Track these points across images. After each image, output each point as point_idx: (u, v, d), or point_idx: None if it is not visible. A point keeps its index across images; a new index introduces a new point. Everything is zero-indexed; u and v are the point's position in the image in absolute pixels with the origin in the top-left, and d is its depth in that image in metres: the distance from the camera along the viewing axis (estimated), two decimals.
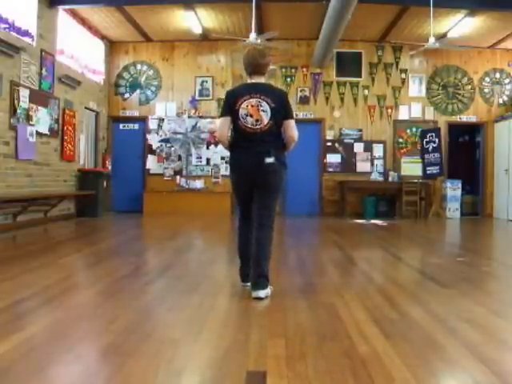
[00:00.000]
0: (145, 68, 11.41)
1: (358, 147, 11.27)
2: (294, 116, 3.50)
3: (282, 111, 3.36)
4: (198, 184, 11.13)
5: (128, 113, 11.39)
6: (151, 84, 11.39)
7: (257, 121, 3.31)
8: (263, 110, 3.31)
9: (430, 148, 10.97)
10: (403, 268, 4.97)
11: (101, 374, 2.06)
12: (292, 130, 3.39)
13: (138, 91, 11.38)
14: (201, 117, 11.24)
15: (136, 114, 11.37)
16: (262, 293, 3.20)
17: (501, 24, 9.57)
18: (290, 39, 10.84)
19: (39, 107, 8.14)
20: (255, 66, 3.43)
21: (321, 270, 4.64)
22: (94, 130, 10.78)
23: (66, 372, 2.07)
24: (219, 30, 10.33)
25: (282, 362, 2.14)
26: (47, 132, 8.46)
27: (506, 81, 11.41)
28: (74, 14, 9.43)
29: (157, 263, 5.06)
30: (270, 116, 3.32)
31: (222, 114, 3.43)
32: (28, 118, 7.77)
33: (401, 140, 11.34)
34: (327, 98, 11.29)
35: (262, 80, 3.48)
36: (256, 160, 3.32)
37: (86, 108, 10.19)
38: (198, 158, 11.28)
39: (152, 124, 11.32)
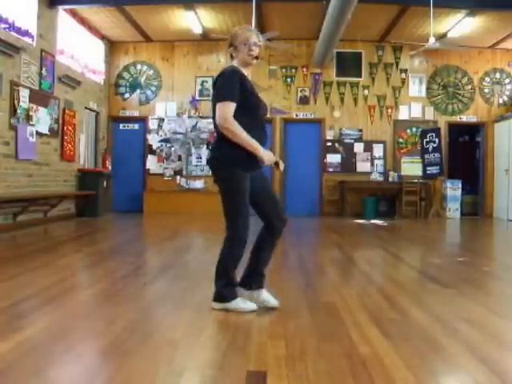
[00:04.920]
0: (145, 68, 11.41)
1: (358, 147, 11.27)
2: (229, 96, 2.82)
3: (215, 95, 2.93)
4: (198, 184, 11.13)
5: (128, 113, 11.39)
6: (151, 84, 11.39)
7: None
8: None
9: (430, 148, 10.97)
10: (403, 268, 4.97)
11: (101, 374, 2.06)
12: (218, 112, 2.84)
13: (138, 91, 11.38)
14: (201, 117, 11.24)
15: (136, 114, 11.37)
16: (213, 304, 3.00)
17: (501, 24, 9.57)
18: (290, 39, 10.83)
19: (39, 107, 8.14)
20: None
21: (321, 270, 4.64)
22: (94, 130, 10.78)
23: (66, 372, 2.07)
24: (219, 29, 10.33)
25: (282, 362, 2.15)
26: (47, 132, 8.46)
27: (506, 81, 11.41)
28: (74, 14, 9.43)
29: (157, 263, 5.06)
30: (212, 105, 2.99)
31: None
32: (28, 117, 7.77)
33: (401, 140, 11.34)
34: (327, 98, 11.29)
35: (230, 64, 3.09)
36: None
37: (86, 108, 10.19)
38: (198, 158, 11.28)
39: (152, 124, 11.32)
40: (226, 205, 2.94)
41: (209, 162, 3.02)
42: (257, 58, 3.02)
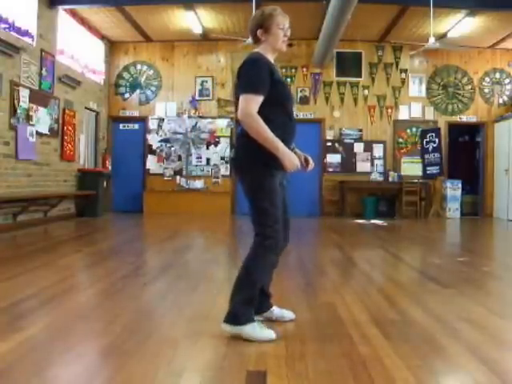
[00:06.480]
0: (145, 68, 11.41)
1: (358, 147, 11.27)
2: (255, 89, 2.45)
3: (239, 85, 2.55)
4: (198, 184, 11.13)
5: (128, 113, 11.39)
6: (151, 84, 11.39)
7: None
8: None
9: (430, 148, 10.97)
10: (403, 268, 4.97)
11: (101, 375, 2.06)
12: (240, 106, 2.47)
13: (137, 91, 11.38)
14: (201, 117, 11.24)
15: (136, 114, 11.37)
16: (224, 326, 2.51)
17: (501, 24, 9.57)
18: (290, 39, 10.77)
19: (39, 107, 8.14)
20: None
21: (321, 270, 4.64)
22: (94, 130, 10.78)
23: (66, 372, 2.07)
24: (219, 29, 10.33)
25: (281, 362, 2.15)
26: (47, 132, 8.46)
27: (506, 81, 11.41)
28: (74, 14, 9.43)
29: (157, 263, 5.06)
30: (235, 97, 2.63)
31: None
32: (28, 117, 7.77)
33: (401, 140, 11.34)
34: (327, 98, 11.29)
35: (255, 50, 2.66)
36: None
37: (86, 108, 10.19)
38: (197, 158, 11.28)
39: (152, 124, 11.32)
40: (253, 207, 2.55)
41: (232, 161, 2.67)
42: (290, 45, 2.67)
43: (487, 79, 11.41)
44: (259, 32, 2.61)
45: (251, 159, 2.52)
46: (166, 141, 11.29)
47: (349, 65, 11.27)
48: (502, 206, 10.86)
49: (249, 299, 2.49)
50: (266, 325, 2.58)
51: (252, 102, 2.43)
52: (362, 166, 11.27)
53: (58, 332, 2.55)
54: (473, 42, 10.62)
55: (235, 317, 2.45)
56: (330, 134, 11.28)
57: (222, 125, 11.20)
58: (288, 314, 2.81)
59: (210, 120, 11.22)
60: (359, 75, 11.29)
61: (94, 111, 10.61)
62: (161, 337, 2.51)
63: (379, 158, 11.27)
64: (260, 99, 2.44)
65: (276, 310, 2.80)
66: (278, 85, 2.53)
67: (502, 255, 6.26)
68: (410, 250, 6.40)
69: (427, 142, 11.00)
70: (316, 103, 11.28)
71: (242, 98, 2.45)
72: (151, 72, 11.40)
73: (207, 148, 11.25)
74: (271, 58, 2.64)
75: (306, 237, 7.66)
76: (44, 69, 8.28)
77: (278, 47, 2.65)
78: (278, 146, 2.43)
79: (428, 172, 11.00)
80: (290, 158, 2.47)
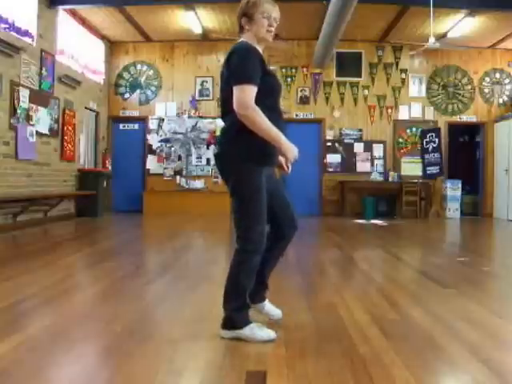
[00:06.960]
0: (145, 68, 11.42)
1: (358, 147, 11.28)
2: (250, 79, 2.33)
3: (228, 75, 2.41)
4: (198, 184, 11.13)
5: (128, 113, 11.39)
6: (151, 84, 11.39)
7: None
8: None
9: (430, 148, 10.98)
10: (403, 268, 4.97)
11: (101, 375, 2.06)
12: (236, 97, 2.33)
13: (138, 91, 11.39)
14: (201, 117, 11.25)
15: (136, 114, 11.37)
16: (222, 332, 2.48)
17: (501, 24, 9.57)
18: (290, 39, 10.84)
19: (39, 107, 8.14)
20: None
21: (321, 269, 4.64)
22: (94, 130, 10.78)
23: (66, 372, 2.07)
24: (219, 30, 10.34)
25: (282, 362, 2.15)
26: (47, 132, 8.46)
27: (506, 81, 11.41)
28: (74, 14, 9.43)
29: (157, 263, 5.06)
30: (220, 88, 2.54)
31: None
32: (28, 117, 7.77)
33: (401, 140, 11.34)
34: (327, 98, 11.29)
35: (240, 39, 2.55)
36: None
37: (86, 108, 10.19)
38: (198, 158, 11.29)
39: (152, 124, 11.32)
40: (238, 208, 2.45)
41: (216, 157, 2.51)
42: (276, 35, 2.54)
43: (487, 79, 11.40)
44: (243, 20, 2.49)
45: (238, 155, 2.41)
46: (166, 141, 11.29)
47: (349, 65, 11.27)
48: (502, 205, 10.86)
49: (242, 305, 2.46)
50: (265, 325, 2.58)
51: (249, 93, 2.31)
52: (362, 166, 11.27)
53: (57, 332, 2.55)
54: (473, 42, 10.62)
55: (232, 322, 2.44)
56: (329, 134, 11.28)
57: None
58: (277, 313, 2.77)
59: (210, 120, 11.22)
60: (359, 75, 11.29)
61: (93, 111, 10.61)
62: (161, 337, 2.51)
63: (379, 158, 11.28)
64: (255, 89, 2.34)
65: (267, 306, 2.77)
66: (269, 76, 2.45)
67: (501, 255, 6.26)
68: (410, 250, 6.40)
69: (427, 142, 11.01)
70: (316, 103, 11.29)
71: (237, 88, 2.32)
72: (151, 72, 11.40)
73: (207, 148, 11.25)
74: (258, 47, 2.49)
75: (306, 237, 7.66)
76: (44, 69, 8.28)
77: (262, 36, 2.48)
78: (279, 136, 2.38)
79: (428, 172, 11.01)
80: (291, 148, 2.42)
